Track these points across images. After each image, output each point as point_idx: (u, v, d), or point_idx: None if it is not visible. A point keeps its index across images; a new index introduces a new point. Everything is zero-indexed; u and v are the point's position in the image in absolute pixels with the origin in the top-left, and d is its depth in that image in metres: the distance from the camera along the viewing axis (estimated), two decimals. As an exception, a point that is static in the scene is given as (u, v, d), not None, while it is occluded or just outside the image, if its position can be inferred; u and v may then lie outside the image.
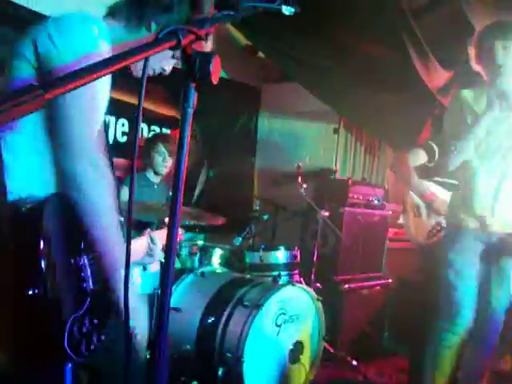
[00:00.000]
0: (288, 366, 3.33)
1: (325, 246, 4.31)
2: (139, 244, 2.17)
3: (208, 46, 1.64)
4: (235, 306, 3.20)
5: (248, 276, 3.68)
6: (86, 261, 1.64)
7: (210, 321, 3.23)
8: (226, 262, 3.98)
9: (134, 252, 1.81)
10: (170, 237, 1.15)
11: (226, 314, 3.19)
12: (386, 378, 4.17)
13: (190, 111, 1.12)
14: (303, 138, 5.43)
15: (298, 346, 3.38)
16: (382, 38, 3.89)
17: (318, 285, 4.17)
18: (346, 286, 4.49)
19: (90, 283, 1.64)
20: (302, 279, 4.06)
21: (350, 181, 4.70)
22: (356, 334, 4.52)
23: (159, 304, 1.16)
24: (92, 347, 1.59)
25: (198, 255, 3.91)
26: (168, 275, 1.16)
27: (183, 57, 1.06)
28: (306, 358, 3.44)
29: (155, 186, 4.25)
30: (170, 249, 1.15)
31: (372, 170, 5.58)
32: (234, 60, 5.58)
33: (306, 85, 5.16)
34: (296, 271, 4.02)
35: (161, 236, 2.26)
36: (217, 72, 1.10)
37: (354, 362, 4.18)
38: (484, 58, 2.92)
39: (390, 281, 4.84)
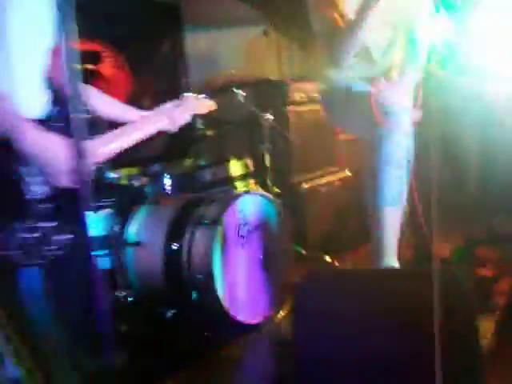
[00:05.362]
0: (262, 273, 3.28)
1: (275, 150, 4.18)
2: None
3: None
4: (195, 227, 3.10)
5: (203, 194, 3.55)
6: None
7: (173, 248, 3.14)
8: (179, 185, 3.84)
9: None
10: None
11: (187, 237, 3.09)
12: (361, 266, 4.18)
13: None
14: (233, 46, 5.19)
15: (269, 254, 3.33)
16: None
17: (277, 190, 4.09)
18: (305, 185, 4.42)
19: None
20: (259, 188, 3.96)
21: (288, 80, 4.55)
22: (324, 232, 4.49)
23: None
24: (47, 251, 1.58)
25: (149, 183, 3.77)
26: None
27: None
28: (277, 263, 3.39)
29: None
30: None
31: (311, 67, 5.40)
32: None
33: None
34: (251, 181, 3.91)
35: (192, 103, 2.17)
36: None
37: (328, 259, 4.17)
38: None
39: (348, 173, 4.78)
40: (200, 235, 3.06)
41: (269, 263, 3.32)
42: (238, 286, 3.13)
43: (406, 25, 2.91)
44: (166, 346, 2.99)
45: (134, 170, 4.02)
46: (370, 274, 1.92)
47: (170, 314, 3.13)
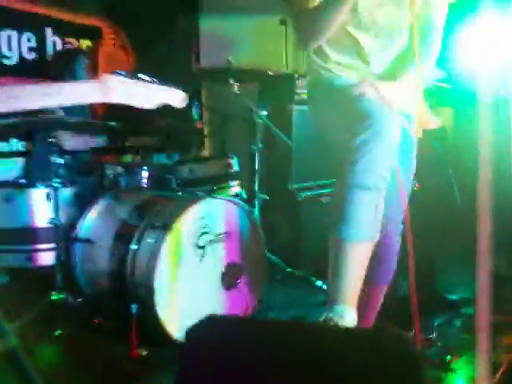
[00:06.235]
0: (222, 292, 2.84)
1: (272, 151, 3.73)
2: None
3: None
4: (145, 230, 2.68)
5: (166, 193, 3.13)
6: None
7: (120, 252, 2.73)
8: (155, 180, 3.43)
9: None
10: None
11: (134, 241, 2.67)
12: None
13: None
14: (246, 35, 4.75)
15: (234, 269, 2.88)
16: None
17: (264, 195, 3.64)
18: (303, 194, 3.94)
19: None
20: (243, 191, 3.51)
21: (296, 75, 4.06)
22: (319, 250, 3.98)
23: None
24: None
25: (124, 176, 3.39)
26: None
27: None
28: (246, 280, 2.94)
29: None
30: None
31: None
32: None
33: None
34: (234, 183, 3.46)
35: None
36: None
37: (318, 282, 3.64)
38: None
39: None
40: (148, 240, 2.64)
41: (233, 280, 2.88)
42: (190, 304, 2.69)
43: (417, 7, 2.29)
44: (98, 360, 2.59)
45: (127, 158, 3.69)
46: (274, 326, 1.46)
47: (108, 324, 2.74)
